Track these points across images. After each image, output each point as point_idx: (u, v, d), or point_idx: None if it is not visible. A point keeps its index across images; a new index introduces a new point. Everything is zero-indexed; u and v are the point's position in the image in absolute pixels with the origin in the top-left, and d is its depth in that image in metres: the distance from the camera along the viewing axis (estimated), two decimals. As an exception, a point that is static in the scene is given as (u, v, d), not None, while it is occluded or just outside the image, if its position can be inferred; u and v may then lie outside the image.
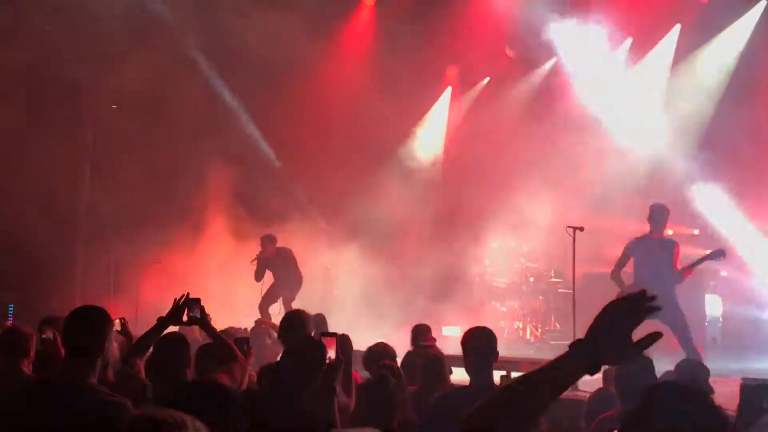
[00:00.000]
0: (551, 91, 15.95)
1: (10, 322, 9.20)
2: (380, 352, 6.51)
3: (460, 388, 5.24)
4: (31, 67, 13.23)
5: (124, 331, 6.10)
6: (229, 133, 16.22)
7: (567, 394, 6.25)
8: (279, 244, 13.73)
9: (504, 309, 15.25)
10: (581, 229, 10.20)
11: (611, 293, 12.30)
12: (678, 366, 5.69)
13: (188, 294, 5.25)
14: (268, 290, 13.57)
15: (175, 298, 5.23)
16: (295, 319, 5.77)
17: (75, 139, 15.63)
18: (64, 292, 14.87)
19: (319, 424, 3.89)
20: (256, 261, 13.61)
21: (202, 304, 5.32)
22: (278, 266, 13.57)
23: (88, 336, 3.82)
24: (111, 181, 15.26)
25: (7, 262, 14.61)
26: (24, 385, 4.88)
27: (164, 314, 5.25)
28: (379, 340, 7.04)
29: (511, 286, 15.27)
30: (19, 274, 15.02)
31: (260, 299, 13.45)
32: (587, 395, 6.33)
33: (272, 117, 15.77)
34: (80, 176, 16.17)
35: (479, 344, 5.09)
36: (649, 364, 4.81)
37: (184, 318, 5.24)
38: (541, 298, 14.94)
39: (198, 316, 5.25)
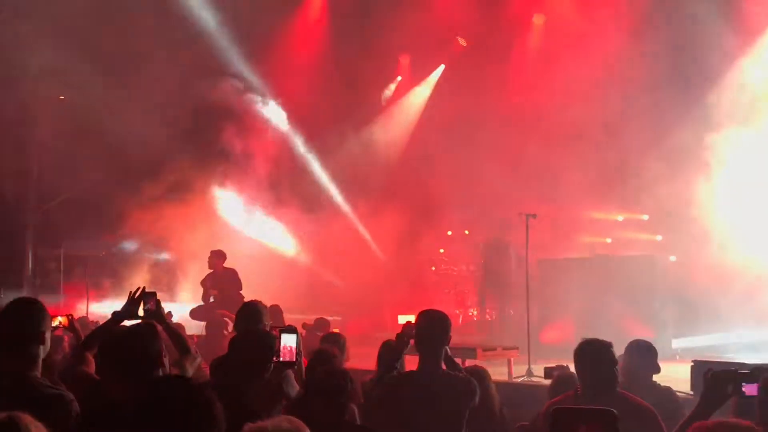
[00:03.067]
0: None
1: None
2: (333, 340, 6.51)
3: (409, 372, 5.27)
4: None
5: (72, 327, 6.00)
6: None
7: (518, 380, 6.25)
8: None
9: (458, 296, 15.36)
10: (534, 215, 10.29)
11: (565, 279, 12.53)
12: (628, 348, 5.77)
13: (144, 287, 5.17)
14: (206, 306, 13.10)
15: (131, 291, 5.15)
16: (251, 310, 5.71)
17: (23, 135, 15.35)
18: (14, 288, 14.61)
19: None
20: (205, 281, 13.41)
21: (157, 297, 5.25)
22: (224, 284, 13.16)
23: (24, 327, 3.75)
24: (60, 174, 14.96)
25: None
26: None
27: (118, 308, 5.18)
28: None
29: (466, 273, 15.36)
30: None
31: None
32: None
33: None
34: (29, 170, 15.88)
35: (429, 327, 5.11)
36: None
37: (140, 311, 5.16)
38: (495, 284, 15.05)
39: (153, 308, 5.18)
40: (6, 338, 3.78)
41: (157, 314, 5.14)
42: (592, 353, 4.82)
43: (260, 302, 5.92)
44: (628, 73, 13.71)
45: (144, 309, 5.16)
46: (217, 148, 15.40)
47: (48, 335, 3.83)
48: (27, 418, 2.23)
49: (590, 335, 5.05)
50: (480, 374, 5.80)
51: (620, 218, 15.14)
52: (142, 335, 3.95)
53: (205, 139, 15.39)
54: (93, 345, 4.85)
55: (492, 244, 14.51)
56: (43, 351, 3.78)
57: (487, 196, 14.17)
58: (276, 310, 9.81)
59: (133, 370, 3.77)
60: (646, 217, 14.78)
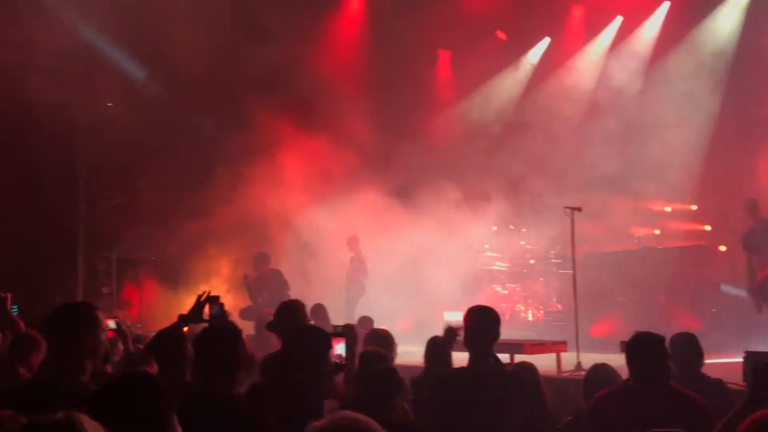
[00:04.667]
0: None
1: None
2: (381, 338, 6.54)
3: (458, 369, 5.29)
4: (22, 68, 13.19)
5: (120, 330, 6.11)
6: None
7: (567, 375, 6.26)
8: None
9: (505, 292, 15.27)
10: (579, 209, 10.21)
11: (611, 273, 12.41)
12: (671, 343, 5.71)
13: (209, 291, 5.24)
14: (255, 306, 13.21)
15: (198, 295, 5.22)
16: (290, 309, 5.75)
17: (72, 139, 15.63)
18: (67, 292, 14.89)
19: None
20: (247, 281, 13.52)
21: (221, 301, 5.32)
22: (272, 286, 13.31)
23: (74, 332, 3.82)
24: (109, 179, 15.23)
25: (9, 264, 14.63)
26: (17, 388, 4.92)
27: (169, 312, 5.29)
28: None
29: (512, 268, 15.29)
30: (22, 275, 15.04)
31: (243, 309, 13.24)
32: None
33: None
34: (78, 176, 16.17)
35: (478, 324, 5.12)
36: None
37: (205, 315, 5.24)
38: (541, 279, 14.96)
39: (218, 312, 5.26)
40: (55, 344, 3.87)
41: (221, 318, 5.21)
42: (644, 346, 4.80)
43: (299, 301, 5.96)
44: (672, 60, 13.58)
45: (210, 313, 5.23)
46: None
47: (99, 339, 3.90)
48: (84, 417, 2.29)
49: (639, 329, 5.03)
50: (529, 370, 5.79)
51: (668, 209, 14.94)
52: (234, 337, 4.01)
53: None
54: (158, 347, 4.92)
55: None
56: (93, 355, 3.85)
57: (531, 189, 14.12)
58: (319, 309, 9.86)
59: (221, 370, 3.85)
60: (694, 207, 14.57)
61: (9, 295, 6.95)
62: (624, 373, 5.05)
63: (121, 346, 6.28)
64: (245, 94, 15.02)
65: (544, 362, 8.19)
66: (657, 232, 14.64)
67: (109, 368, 5.16)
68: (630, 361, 4.86)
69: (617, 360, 5.57)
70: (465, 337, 5.15)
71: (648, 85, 14.34)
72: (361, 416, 2.86)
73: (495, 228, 15.45)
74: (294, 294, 12.62)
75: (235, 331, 4.09)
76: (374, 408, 4.33)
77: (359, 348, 5.67)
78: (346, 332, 5.42)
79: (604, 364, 5.93)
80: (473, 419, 4.82)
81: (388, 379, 4.50)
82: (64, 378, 3.70)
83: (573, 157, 14.05)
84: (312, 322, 5.86)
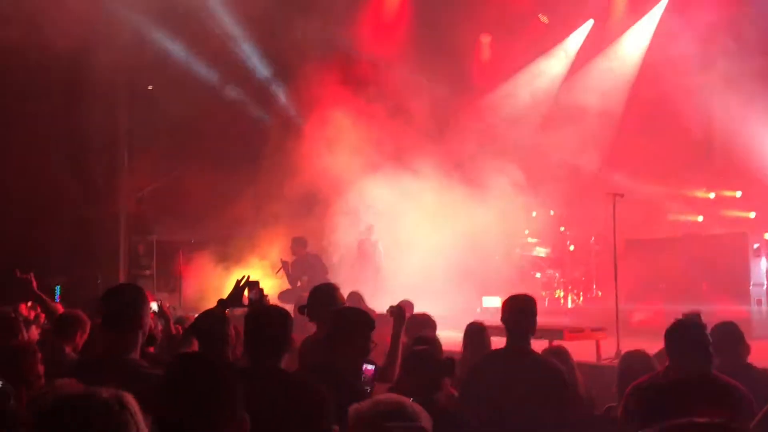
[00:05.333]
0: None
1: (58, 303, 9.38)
2: (421, 322, 6.54)
3: (494, 354, 5.29)
4: (68, 52, 13.35)
5: (161, 312, 6.19)
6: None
7: (606, 362, 6.16)
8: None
9: (544, 279, 15.21)
10: (621, 195, 10.09)
11: (653, 260, 12.28)
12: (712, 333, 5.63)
13: (248, 276, 5.28)
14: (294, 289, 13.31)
15: (237, 280, 5.27)
16: (324, 292, 5.77)
17: (114, 121, 15.82)
18: (108, 274, 15.12)
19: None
20: (285, 266, 13.61)
21: (260, 286, 5.35)
22: (311, 269, 13.37)
23: (125, 312, 3.93)
24: (150, 163, 15.38)
25: (53, 246, 14.89)
26: (68, 364, 5.03)
27: (208, 295, 5.35)
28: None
29: (551, 254, 15.20)
30: (64, 257, 15.30)
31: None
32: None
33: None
34: (119, 160, 16.37)
35: (516, 311, 5.14)
36: None
37: (244, 300, 5.28)
38: (582, 266, 14.86)
39: (257, 298, 5.29)
40: (108, 322, 3.95)
41: (260, 303, 5.25)
42: (685, 334, 4.74)
43: (333, 285, 5.97)
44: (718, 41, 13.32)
45: (249, 298, 5.27)
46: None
47: (147, 320, 4.00)
48: (131, 399, 2.31)
49: (680, 316, 4.98)
50: (562, 354, 5.78)
51: (712, 196, 14.73)
52: (284, 319, 4.07)
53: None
54: (200, 329, 4.96)
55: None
56: (142, 335, 3.96)
57: (574, 175, 13.99)
58: (356, 297, 9.88)
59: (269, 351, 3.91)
60: (738, 194, 14.34)
61: (31, 275, 7.10)
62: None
63: (161, 328, 6.37)
64: (293, 70, 15.07)
65: (583, 349, 8.14)
66: (700, 219, 14.45)
67: (152, 349, 5.24)
68: (669, 349, 4.81)
69: (657, 348, 5.52)
70: (503, 324, 5.19)
71: (689, 67, 14.05)
72: (405, 399, 2.87)
73: (534, 214, 15.37)
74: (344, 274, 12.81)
75: (285, 314, 4.14)
76: (421, 389, 4.35)
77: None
78: (396, 313, 5.45)
79: (638, 351, 5.88)
80: (507, 403, 4.81)
81: (438, 361, 4.52)
82: (116, 357, 3.81)
83: (614, 143, 13.90)
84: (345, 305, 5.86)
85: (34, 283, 7.09)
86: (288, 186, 14.53)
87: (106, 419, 2.19)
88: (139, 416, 2.26)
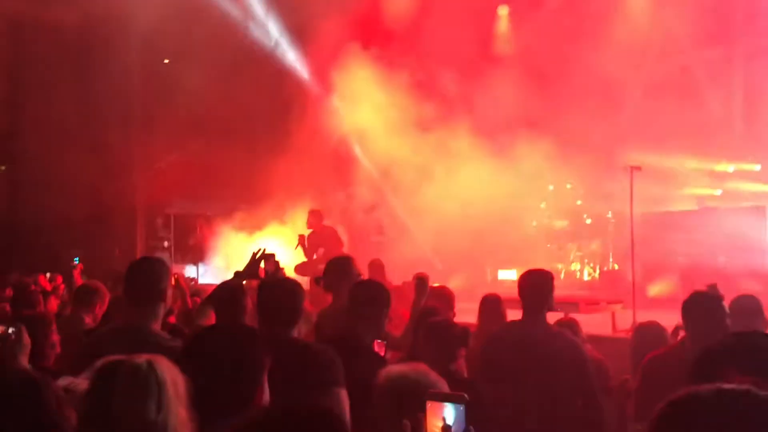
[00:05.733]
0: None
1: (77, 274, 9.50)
2: (439, 295, 6.56)
3: (508, 326, 5.30)
4: (84, 24, 13.37)
5: (178, 286, 6.24)
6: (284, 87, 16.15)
7: (622, 334, 6.10)
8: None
9: (561, 252, 15.17)
10: (639, 168, 10.01)
11: (669, 234, 12.22)
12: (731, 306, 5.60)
13: (264, 249, 5.31)
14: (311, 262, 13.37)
15: (253, 252, 5.29)
16: (339, 264, 5.81)
17: (127, 94, 15.85)
18: (126, 247, 15.23)
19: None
20: (301, 239, 13.66)
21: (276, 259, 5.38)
22: (327, 242, 13.38)
23: (148, 285, 3.98)
24: (166, 135, 15.41)
25: (71, 218, 15.00)
26: (85, 332, 5.10)
27: (227, 267, 5.40)
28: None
29: (568, 227, 15.15)
30: (82, 229, 15.43)
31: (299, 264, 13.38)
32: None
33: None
34: (136, 132, 16.43)
35: (531, 285, 5.16)
36: None
37: (260, 273, 5.30)
38: (598, 239, 14.80)
39: (273, 270, 5.31)
40: (131, 294, 4.00)
41: (276, 275, 5.28)
42: (701, 305, 4.73)
43: (349, 257, 6.00)
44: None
45: (265, 270, 5.29)
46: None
47: (169, 292, 4.07)
48: (164, 362, 2.36)
49: (697, 289, 4.96)
50: (573, 327, 5.79)
51: (731, 169, 14.59)
52: (297, 291, 4.11)
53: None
54: (218, 300, 5.00)
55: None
56: (163, 307, 4.03)
57: (590, 147, 13.87)
58: (377, 264, 9.90)
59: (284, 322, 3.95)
60: (758, 167, 14.20)
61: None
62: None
63: (179, 303, 6.43)
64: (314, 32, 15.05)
65: (599, 321, 8.15)
66: (718, 192, 14.33)
67: (172, 319, 5.29)
68: (686, 321, 4.80)
69: (674, 320, 5.50)
70: (520, 298, 5.21)
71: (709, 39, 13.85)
72: (421, 366, 2.92)
73: (552, 187, 15.30)
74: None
75: (297, 285, 4.16)
76: (437, 360, 4.38)
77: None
78: (419, 285, 5.49)
79: (652, 323, 5.88)
80: (522, 375, 4.83)
81: (454, 332, 4.55)
82: (137, 328, 3.86)
83: (632, 114, 13.78)
84: (362, 277, 5.89)
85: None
86: (309, 154, 14.55)
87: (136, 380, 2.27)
88: (170, 379, 2.30)
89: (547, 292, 5.15)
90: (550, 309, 5.18)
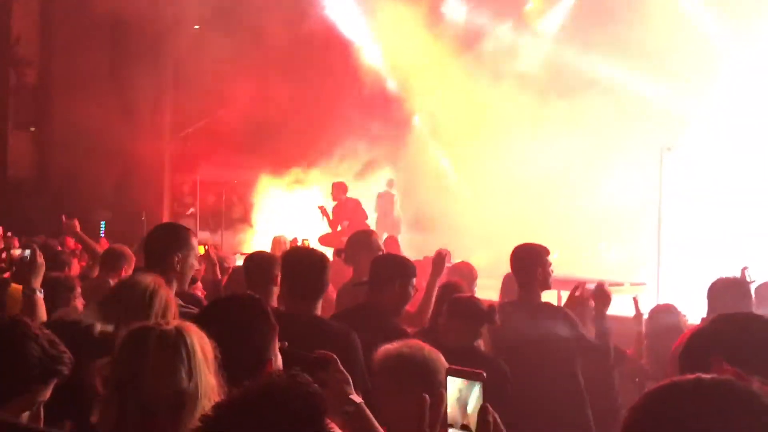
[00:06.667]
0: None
1: (103, 238, 9.59)
2: (462, 271, 6.55)
3: (513, 301, 5.30)
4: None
5: (209, 257, 6.27)
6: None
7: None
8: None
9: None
10: (669, 148, 9.85)
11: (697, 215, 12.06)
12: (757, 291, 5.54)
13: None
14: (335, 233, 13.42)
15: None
16: (361, 238, 5.85)
17: (157, 62, 15.88)
18: (152, 212, 15.33)
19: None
20: (323, 211, 13.72)
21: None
22: (351, 214, 13.50)
23: (156, 254, 4.01)
24: (192, 103, 15.45)
25: (98, 183, 15.12)
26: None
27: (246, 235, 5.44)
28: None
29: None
30: (109, 194, 15.56)
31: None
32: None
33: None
34: (162, 98, 16.47)
35: (521, 261, 5.14)
36: None
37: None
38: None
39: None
40: (147, 260, 4.03)
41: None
42: (726, 289, 4.71)
43: (371, 231, 6.05)
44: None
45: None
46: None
47: (186, 262, 4.02)
48: (193, 328, 2.36)
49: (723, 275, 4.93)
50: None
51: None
52: (321, 263, 4.13)
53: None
54: (249, 268, 4.98)
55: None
56: (175, 276, 3.98)
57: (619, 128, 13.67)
58: (392, 240, 9.92)
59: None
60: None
61: (75, 221, 7.36)
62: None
63: (203, 271, 6.46)
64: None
65: (622, 303, 8.09)
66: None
67: (196, 289, 5.31)
68: (711, 305, 4.78)
69: (697, 306, 5.47)
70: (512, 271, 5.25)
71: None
72: (426, 346, 2.93)
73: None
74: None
75: (323, 258, 4.18)
76: (462, 336, 4.38)
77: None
78: (436, 261, 5.50)
79: (666, 305, 5.88)
80: (528, 350, 4.79)
81: (480, 308, 4.55)
82: None
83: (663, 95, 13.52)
84: (382, 252, 5.91)
85: (78, 227, 7.36)
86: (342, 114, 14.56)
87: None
88: (199, 346, 2.31)
89: (533, 268, 5.07)
90: (543, 286, 5.12)
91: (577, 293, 5.27)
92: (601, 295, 5.12)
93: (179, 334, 2.32)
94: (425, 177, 15.37)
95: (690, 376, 1.64)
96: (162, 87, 16.32)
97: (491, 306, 4.71)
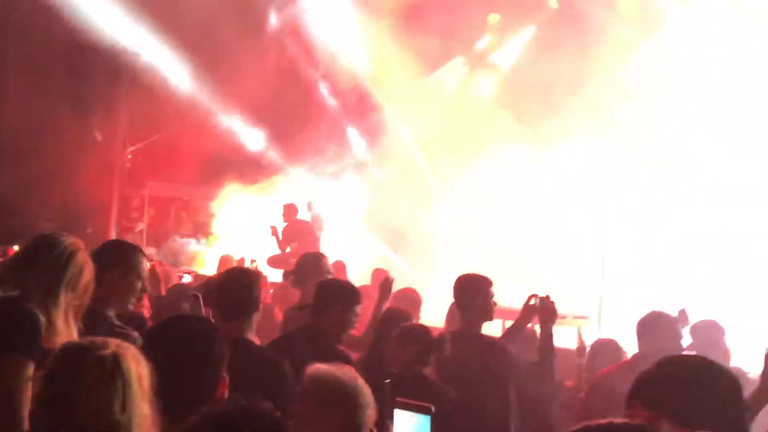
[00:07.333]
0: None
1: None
2: (408, 297, 6.58)
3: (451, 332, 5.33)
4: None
5: (153, 274, 6.21)
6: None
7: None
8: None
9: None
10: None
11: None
12: (693, 328, 5.70)
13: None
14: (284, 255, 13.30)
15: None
16: (311, 261, 5.84)
17: (111, 75, 15.74)
18: (99, 225, 15.11)
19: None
20: (274, 231, 13.65)
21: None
22: (301, 236, 13.41)
23: (102, 270, 3.86)
24: (146, 117, 15.31)
25: (44, 193, 14.86)
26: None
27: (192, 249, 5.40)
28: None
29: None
30: (56, 205, 15.29)
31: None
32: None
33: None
34: (116, 111, 16.30)
35: (461, 289, 5.16)
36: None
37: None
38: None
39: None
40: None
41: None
42: (654, 324, 4.83)
43: (321, 254, 6.04)
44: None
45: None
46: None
47: (124, 282, 3.96)
48: (131, 353, 2.30)
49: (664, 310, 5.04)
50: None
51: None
52: (250, 280, 4.10)
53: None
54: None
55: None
56: (115, 295, 3.92)
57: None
58: (339, 266, 9.91)
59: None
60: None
61: None
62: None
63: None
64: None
65: (564, 335, 8.18)
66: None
67: (141, 307, 5.23)
68: (639, 339, 4.91)
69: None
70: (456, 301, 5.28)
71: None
72: (360, 378, 2.90)
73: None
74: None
75: (251, 278, 4.15)
76: (411, 363, 4.41)
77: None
78: (383, 286, 5.53)
79: (608, 340, 5.98)
80: (466, 381, 4.82)
81: (430, 336, 4.58)
82: (97, 317, 3.73)
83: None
84: (331, 275, 5.92)
85: None
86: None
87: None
88: (136, 374, 2.26)
89: (472, 299, 5.11)
90: (484, 317, 5.14)
91: (531, 302, 5.25)
92: (546, 309, 5.11)
93: (116, 362, 2.25)
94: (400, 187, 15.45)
95: (602, 421, 1.68)
96: (115, 99, 16.14)
97: (441, 334, 4.74)
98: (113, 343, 2.32)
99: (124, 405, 2.20)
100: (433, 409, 1.92)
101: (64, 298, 3.27)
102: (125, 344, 2.34)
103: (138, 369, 2.28)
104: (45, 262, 3.27)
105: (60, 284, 3.27)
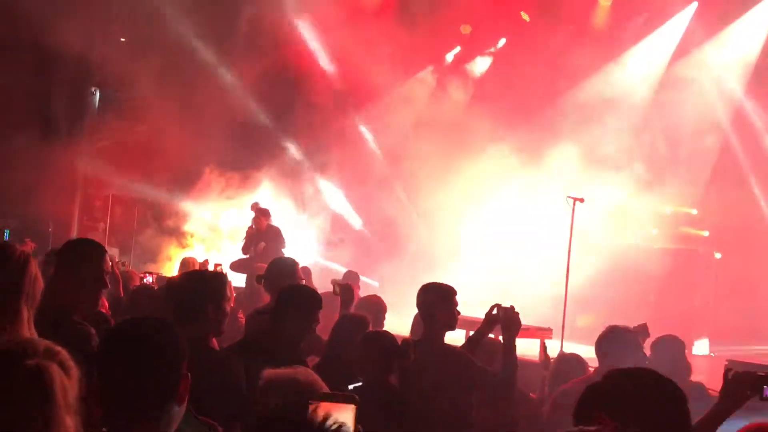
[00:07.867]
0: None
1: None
2: (373, 304, 6.56)
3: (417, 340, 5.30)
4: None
5: (112, 274, 6.12)
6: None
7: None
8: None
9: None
10: (581, 200, 10.10)
11: (606, 266, 12.38)
12: (654, 343, 5.74)
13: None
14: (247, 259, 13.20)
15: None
16: (282, 265, 5.80)
17: (78, 70, 15.57)
18: (61, 223, 14.92)
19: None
20: (248, 231, 13.56)
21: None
22: (268, 240, 13.23)
23: (73, 271, 3.91)
24: (114, 117, 15.18)
25: (6, 190, 14.65)
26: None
27: (154, 252, 5.34)
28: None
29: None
30: (18, 202, 15.08)
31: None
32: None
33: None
34: (84, 111, 16.14)
35: (424, 299, 5.11)
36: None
37: None
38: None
39: None
40: (56, 278, 3.91)
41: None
42: (614, 339, 4.86)
43: (292, 259, 6.00)
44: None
45: None
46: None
47: (81, 273, 3.93)
48: (54, 365, 2.14)
49: (622, 324, 5.06)
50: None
51: (668, 211, 14.84)
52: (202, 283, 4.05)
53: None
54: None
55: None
56: (85, 293, 3.91)
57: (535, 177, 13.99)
58: (306, 271, 9.86)
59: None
60: (695, 211, 14.49)
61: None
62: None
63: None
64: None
65: (527, 347, 8.21)
66: (654, 231, 14.56)
67: (105, 310, 5.16)
68: (598, 354, 4.92)
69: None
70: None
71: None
72: (310, 375, 2.90)
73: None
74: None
75: (202, 280, 4.12)
76: (375, 370, 4.37)
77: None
78: (344, 292, 5.49)
79: (572, 354, 5.99)
80: (426, 391, 4.78)
81: (395, 344, 4.55)
82: (59, 314, 3.70)
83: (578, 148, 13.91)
84: (303, 281, 5.89)
85: None
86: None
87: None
88: (60, 386, 2.13)
89: (434, 308, 5.05)
90: (446, 327, 5.09)
91: (494, 312, 5.20)
92: (509, 319, 5.07)
93: (39, 375, 2.09)
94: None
95: (574, 429, 1.67)
96: (82, 97, 15.97)
97: (406, 342, 4.71)
98: (40, 348, 2.15)
99: (46, 421, 2.05)
100: (357, 398, 1.91)
101: (26, 313, 3.21)
102: (55, 349, 2.17)
103: (62, 380, 2.11)
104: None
105: (20, 298, 3.21)
